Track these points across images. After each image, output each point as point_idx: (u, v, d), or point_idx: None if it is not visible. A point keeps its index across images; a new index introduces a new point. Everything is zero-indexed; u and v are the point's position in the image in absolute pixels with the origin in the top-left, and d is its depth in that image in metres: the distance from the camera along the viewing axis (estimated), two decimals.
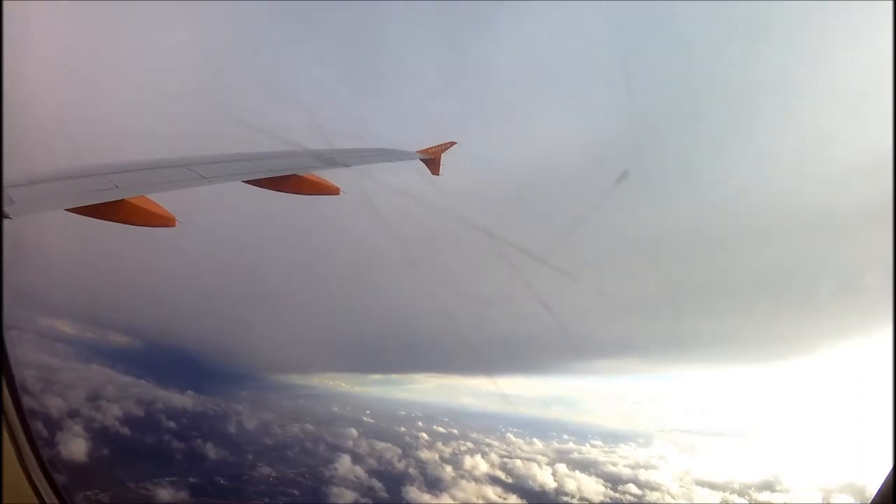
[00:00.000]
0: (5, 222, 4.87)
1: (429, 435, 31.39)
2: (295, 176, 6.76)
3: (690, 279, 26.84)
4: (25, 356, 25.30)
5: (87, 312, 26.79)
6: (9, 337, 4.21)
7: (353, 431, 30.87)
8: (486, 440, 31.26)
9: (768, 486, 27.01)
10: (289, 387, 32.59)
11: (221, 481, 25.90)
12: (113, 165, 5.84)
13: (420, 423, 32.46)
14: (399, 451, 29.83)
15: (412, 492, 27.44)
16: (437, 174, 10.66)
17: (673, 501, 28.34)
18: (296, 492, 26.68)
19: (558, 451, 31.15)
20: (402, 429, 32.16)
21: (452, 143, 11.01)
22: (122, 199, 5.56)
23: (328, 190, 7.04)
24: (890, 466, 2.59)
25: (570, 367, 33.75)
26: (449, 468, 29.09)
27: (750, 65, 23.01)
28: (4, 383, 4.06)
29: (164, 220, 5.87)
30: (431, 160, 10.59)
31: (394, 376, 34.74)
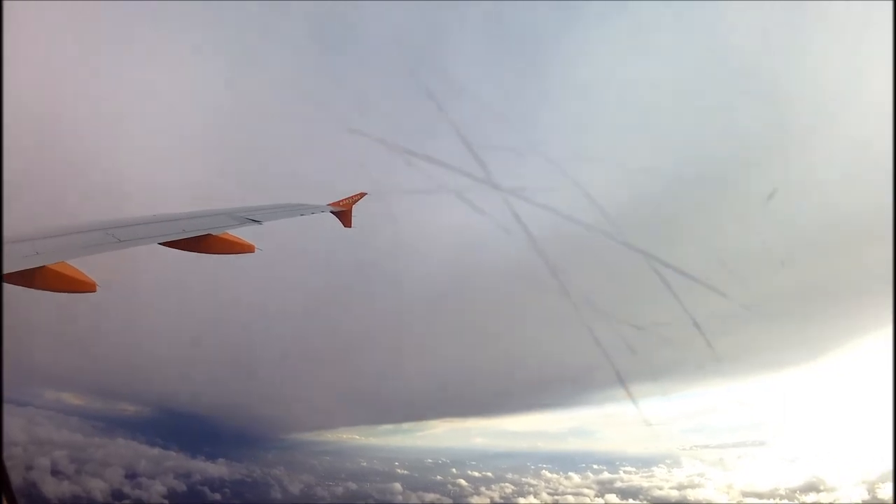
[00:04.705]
0: None
1: (467, 481, 31.18)
2: (210, 236, 7.35)
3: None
4: (50, 435, 26.01)
5: (87, 381, 26.91)
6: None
7: (398, 486, 30.85)
8: (524, 479, 30.84)
9: (813, 488, 26.01)
10: (307, 444, 32.61)
11: None
12: (31, 231, 6.46)
13: (453, 470, 32.09)
14: (450, 501, 29.70)
15: None
16: (350, 226, 10.45)
17: None
18: None
19: (600, 482, 30.54)
20: (439, 477, 31.91)
21: (363, 194, 10.78)
22: (44, 266, 6.20)
23: (243, 248, 7.40)
24: None
25: (574, 399, 33.01)
26: None
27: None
28: None
29: (85, 286, 6.46)
30: (343, 212, 10.42)
31: (404, 425, 34.61)
